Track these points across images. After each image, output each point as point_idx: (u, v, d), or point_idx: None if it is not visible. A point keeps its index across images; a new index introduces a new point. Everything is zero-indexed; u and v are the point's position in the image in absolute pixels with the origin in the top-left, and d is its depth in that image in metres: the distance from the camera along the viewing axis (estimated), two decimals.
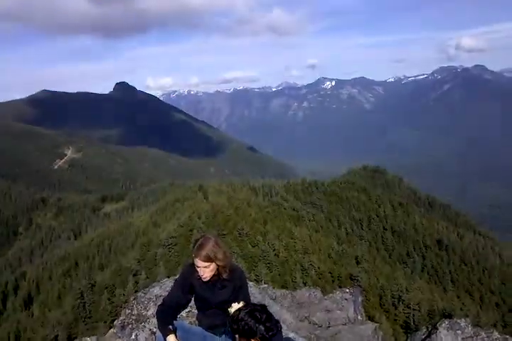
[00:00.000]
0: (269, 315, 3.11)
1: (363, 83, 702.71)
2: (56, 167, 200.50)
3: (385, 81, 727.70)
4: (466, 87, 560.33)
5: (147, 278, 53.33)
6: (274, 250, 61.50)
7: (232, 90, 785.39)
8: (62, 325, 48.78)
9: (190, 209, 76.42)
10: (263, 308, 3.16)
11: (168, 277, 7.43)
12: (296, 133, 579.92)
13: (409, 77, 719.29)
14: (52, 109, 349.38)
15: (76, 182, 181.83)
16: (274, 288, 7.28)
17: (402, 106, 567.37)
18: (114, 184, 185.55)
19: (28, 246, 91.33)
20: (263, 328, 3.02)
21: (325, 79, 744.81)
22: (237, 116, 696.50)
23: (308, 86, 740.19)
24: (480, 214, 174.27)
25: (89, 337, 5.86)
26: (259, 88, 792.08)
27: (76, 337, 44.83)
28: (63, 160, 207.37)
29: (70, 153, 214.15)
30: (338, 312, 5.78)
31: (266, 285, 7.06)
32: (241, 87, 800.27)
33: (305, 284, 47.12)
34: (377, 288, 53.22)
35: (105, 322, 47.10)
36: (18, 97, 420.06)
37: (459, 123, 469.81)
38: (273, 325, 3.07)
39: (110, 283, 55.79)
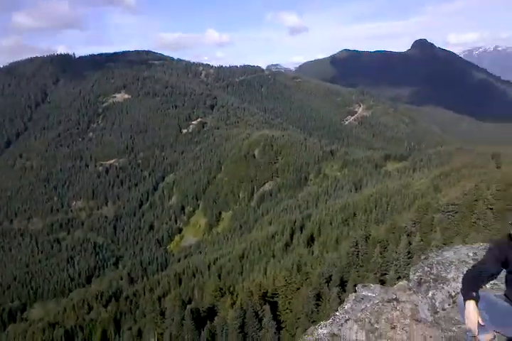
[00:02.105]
0: None
1: None
2: (347, 123, 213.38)
3: None
4: None
5: (421, 241, 52.11)
6: None
7: None
8: (337, 267, 53.26)
9: (478, 177, 69.61)
10: None
11: (445, 244, 6.88)
12: None
13: None
14: (350, 67, 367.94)
15: (362, 139, 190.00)
16: None
17: None
18: (398, 143, 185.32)
19: (315, 191, 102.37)
20: None
21: None
22: None
23: None
24: None
25: (372, 284, 6.07)
26: None
27: (347, 281, 48.55)
28: (354, 117, 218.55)
29: (360, 110, 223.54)
30: None
31: None
32: None
33: None
34: None
35: (375, 273, 49.02)
36: (320, 57, 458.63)
37: None
38: None
39: (384, 238, 57.17)
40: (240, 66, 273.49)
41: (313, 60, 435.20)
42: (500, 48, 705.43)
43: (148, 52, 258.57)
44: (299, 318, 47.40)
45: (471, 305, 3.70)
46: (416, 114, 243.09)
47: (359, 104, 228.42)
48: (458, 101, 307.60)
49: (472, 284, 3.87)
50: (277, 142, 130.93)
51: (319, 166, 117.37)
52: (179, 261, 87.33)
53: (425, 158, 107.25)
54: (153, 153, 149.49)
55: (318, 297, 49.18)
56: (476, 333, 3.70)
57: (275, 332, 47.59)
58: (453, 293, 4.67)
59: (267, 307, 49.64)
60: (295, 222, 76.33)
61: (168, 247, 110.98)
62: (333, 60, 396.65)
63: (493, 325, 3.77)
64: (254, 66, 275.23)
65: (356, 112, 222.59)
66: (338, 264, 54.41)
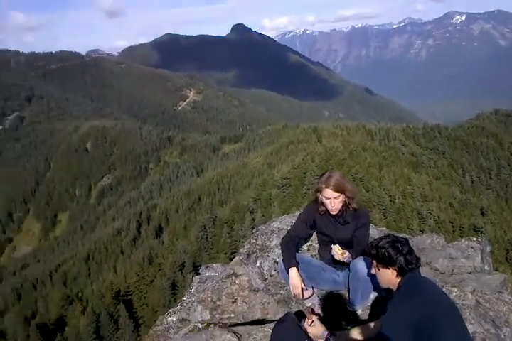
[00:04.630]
0: (411, 249, 3.04)
1: (499, 17, 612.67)
2: (180, 108, 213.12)
3: None
4: None
5: (263, 216, 55.82)
6: (389, 196, 59.97)
7: (349, 28, 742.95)
8: (188, 253, 53.94)
9: (304, 151, 76.72)
10: (406, 241, 3.08)
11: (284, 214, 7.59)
12: (418, 73, 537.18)
13: None
14: (175, 52, 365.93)
15: (197, 123, 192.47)
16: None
17: None
18: (231, 126, 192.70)
19: (157, 180, 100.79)
20: (403, 259, 2.96)
21: (454, 13, 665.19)
22: (354, 56, 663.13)
23: (435, 21, 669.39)
24: None
25: (215, 264, 6.23)
26: (378, 25, 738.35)
27: (200, 265, 49.68)
28: (186, 102, 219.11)
29: (191, 95, 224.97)
30: (463, 260, 5.31)
31: (384, 228, 6.81)
32: (359, 25, 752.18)
33: (422, 232, 45.66)
34: (504, 241, 49.66)
35: (225, 253, 51.13)
36: (143, 41, 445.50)
37: None
38: (413, 258, 3.01)
39: (229, 218, 59.70)
40: (56, 52, 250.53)
41: (135, 44, 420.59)
42: (308, 32, 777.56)
43: None
44: (156, 311, 46.99)
45: (293, 272, 3.97)
46: (243, 97, 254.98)
47: (189, 89, 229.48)
48: (278, 82, 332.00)
49: (289, 251, 4.13)
50: (110, 133, 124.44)
51: (158, 154, 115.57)
52: (15, 274, 77.93)
53: (257, 137, 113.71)
54: None
55: (174, 286, 49.48)
56: (301, 297, 4.06)
57: (133, 331, 46.51)
58: (277, 259, 4.96)
59: (121, 306, 48.11)
60: (140, 214, 74.37)
61: None
62: (156, 44, 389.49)
63: (310, 281, 4.21)
64: (71, 52, 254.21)
65: (188, 97, 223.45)
66: (189, 250, 55.22)
